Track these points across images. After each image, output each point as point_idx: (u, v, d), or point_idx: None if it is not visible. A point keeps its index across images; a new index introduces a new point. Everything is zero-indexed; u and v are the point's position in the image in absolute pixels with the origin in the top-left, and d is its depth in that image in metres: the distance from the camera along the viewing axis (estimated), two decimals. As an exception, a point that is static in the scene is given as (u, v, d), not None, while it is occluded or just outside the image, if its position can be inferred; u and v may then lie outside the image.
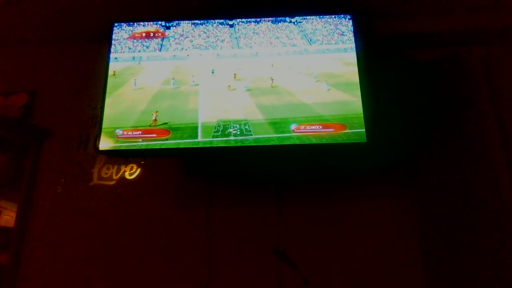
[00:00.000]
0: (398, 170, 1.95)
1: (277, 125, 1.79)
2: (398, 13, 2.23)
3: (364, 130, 1.75)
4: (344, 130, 1.76)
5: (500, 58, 2.08)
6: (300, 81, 1.96)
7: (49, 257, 1.99)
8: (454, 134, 1.85)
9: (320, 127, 1.77)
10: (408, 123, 1.94)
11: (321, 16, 2.01)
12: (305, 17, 2.02)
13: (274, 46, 2.01)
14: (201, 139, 1.78)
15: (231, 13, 2.07)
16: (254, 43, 2.01)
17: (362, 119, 1.77)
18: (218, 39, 2.02)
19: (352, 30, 1.95)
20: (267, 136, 1.76)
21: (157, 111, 1.85)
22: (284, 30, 2.03)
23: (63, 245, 2.00)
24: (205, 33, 2.03)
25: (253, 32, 2.03)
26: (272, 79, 1.94)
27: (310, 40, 2.01)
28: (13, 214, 2.07)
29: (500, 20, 2.18)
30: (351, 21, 1.98)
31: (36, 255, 2.00)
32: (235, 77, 1.96)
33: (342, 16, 1.99)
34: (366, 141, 1.73)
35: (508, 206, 1.73)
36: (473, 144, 1.82)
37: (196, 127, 1.81)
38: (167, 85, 1.98)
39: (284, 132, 1.77)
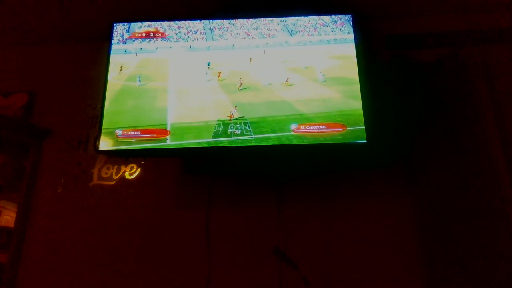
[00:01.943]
0: (398, 170, 1.95)
1: (278, 124, 1.79)
2: (398, 13, 2.23)
3: (363, 128, 1.74)
4: (345, 130, 1.76)
5: (500, 58, 2.08)
6: (298, 77, 1.94)
7: (49, 257, 1.99)
8: (454, 134, 1.85)
9: (320, 127, 1.77)
10: (408, 123, 1.94)
11: (321, 16, 2.01)
12: (304, 17, 2.02)
13: (252, 38, 1.95)
14: (170, 142, 1.74)
15: (230, 13, 2.06)
16: (231, 34, 1.95)
17: (361, 116, 1.76)
18: (190, 30, 1.94)
19: (353, 30, 1.95)
20: (267, 135, 1.76)
21: (236, 106, 1.81)
22: (265, 21, 1.99)
23: (63, 245, 2.00)
24: (176, 23, 1.97)
25: (228, 23, 1.97)
26: (288, 78, 1.90)
27: (291, 31, 1.98)
28: (13, 214, 2.07)
29: (500, 20, 2.18)
30: (351, 21, 1.98)
31: (36, 255, 2.00)
32: (219, 76, 1.91)
33: (343, 16, 1.99)
34: (366, 141, 1.73)
35: (508, 205, 1.73)
36: (472, 144, 1.82)
37: (165, 126, 1.79)
38: (132, 82, 1.91)
39: (284, 132, 1.77)
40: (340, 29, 1.95)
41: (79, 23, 2.29)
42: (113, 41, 1.98)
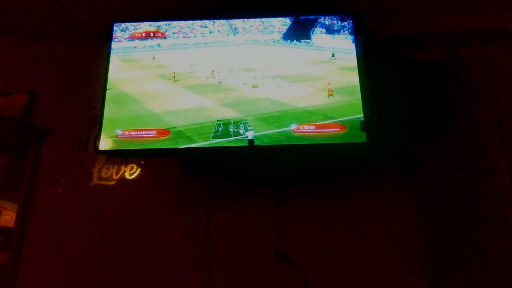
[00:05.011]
0: (398, 170, 1.95)
1: (278, 125, 1.79)
2: (398, 13, 2.23)
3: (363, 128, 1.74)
4: (345, 130, 1.75)
5: (500, 58, 2.08)
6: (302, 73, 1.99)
7: (49, 257, 1.99)
8: (454, 134, 1.85)
9: (321, 127, 1.77)
10: (408, 123, 1.94)
11: (322, 17, 2.01)
12: (305, 17, 2.02)
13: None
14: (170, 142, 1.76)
15: (230, 13, 2.06)
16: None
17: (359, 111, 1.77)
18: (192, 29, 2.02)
19: (353, 31, 1.95)
20: (267, 132, 1.76)
21: (329, 82, 1.86)
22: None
23: (63, 245, 2.00)
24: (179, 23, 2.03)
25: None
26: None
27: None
28: (13, 214, 2.07)
29: (500, 20, 2.18)
30: (351, 21, 1.98)
31: (36, 255, 2.00)
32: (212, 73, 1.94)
33: (343, 17, 1.99)
34: (366, 141, 1.73)
35: (508, 206, 1.73)
36: (472, 144, 1.82)
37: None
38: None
39: (284, 132, 1.76)
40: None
41: (79, 23, 2.29)
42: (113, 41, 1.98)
